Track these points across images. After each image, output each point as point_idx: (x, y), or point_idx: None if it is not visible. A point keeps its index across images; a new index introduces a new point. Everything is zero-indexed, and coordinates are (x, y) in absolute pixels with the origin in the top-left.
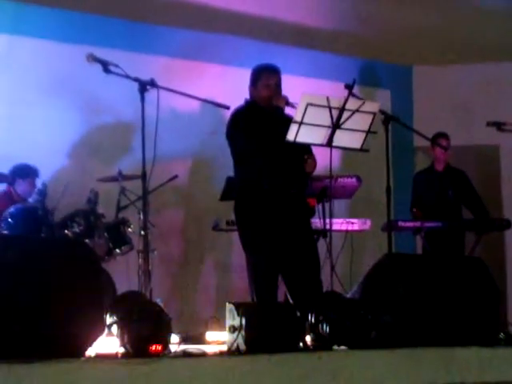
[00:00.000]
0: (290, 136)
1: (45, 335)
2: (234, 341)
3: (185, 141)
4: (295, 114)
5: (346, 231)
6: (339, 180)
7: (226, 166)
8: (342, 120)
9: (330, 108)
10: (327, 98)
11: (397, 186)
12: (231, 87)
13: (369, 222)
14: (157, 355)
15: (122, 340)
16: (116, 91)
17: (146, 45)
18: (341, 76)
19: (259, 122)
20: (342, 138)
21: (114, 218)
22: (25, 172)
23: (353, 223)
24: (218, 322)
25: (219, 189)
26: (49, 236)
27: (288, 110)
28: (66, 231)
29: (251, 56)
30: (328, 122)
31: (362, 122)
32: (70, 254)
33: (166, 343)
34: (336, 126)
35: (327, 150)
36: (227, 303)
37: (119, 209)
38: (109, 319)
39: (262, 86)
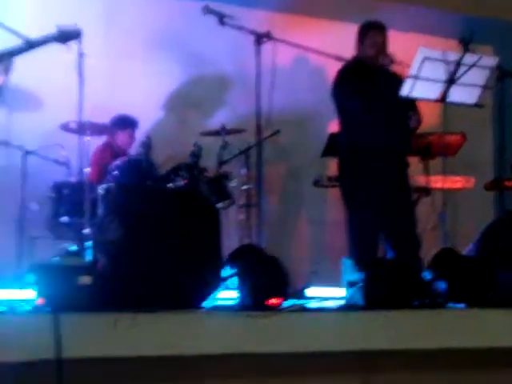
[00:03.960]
0: (405, 91)
1: (165, 286)
2: (352, 296)
3: (287, 96)
4: (411, 68)
5: (449, 189)
6: (444, 137)
7: (327, 123)
8: (458, 75)
9: (447, 62)
10: (444, 52)
11: (506, 145)
12: (336, 42)
13: (472, 180)
14: (275, 309)
15: (240, 293)
16: (217, 46)
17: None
18: (444, 31)
19: (366, 80)
20: (457, 94)
21: (215, 172)
22: (125, 123)
23: (456, 181)
24: (318, 276)
25: (319, 145)
26: (177, 188)
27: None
28: (169, 184)
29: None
30: (443, 76)
31: (478, 76)
32: (190, 204)
33: (284, 296)
34: (451, 80)
35: (430, 106)
36: (344, 258)
37: (221, 163)
38: (226, 272)
39: (369, 44)
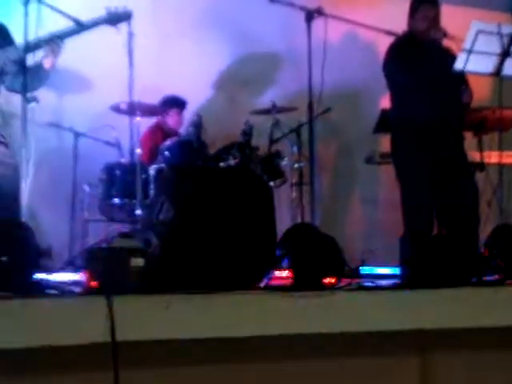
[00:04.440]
0: (459, 65)
1: (219, 266)
2: (408, 274)
3: (336, 72)
4: (464, 42)
5: (504, 164)
6: (498, 111)
7: (379, 99)
8: None
9: (501, 35)
10: (498, 25)
11: None
12: (384, 17)
13: None
14: (331, 288)
15: (295, 272)
16: (266, 24)
17: None
18: (496, 5)
19: (417, 55)
20: None
21: (266, 151)
22: (174, 103)
23: (511, 156)
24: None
25: (371, 121)
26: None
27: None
28: (221, 163)
29: None
30: (498, 49)
31: None
32: (243, 183)
33: (340, 276)
34: (506, 53)
35: (482, 80)
36: (401, 237)
37: (272, 141)
38: (281, 252)
39: (421, 18)
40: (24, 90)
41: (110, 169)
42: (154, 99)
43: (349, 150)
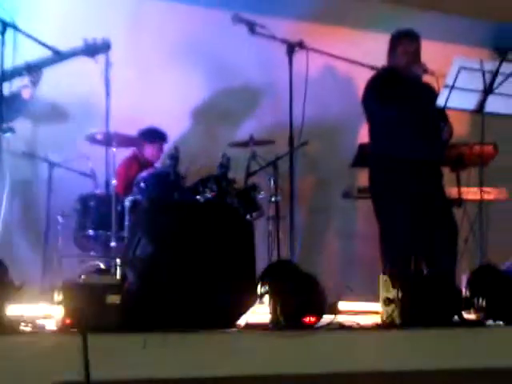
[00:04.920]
0: (441, 101)
1: (197, 304)
2: (390, 314)
3: (315, 106)
4: (446, 77)
5: (481, 200)
6: (475, 147)
7: (356, 133)
8: (496, 84)
9: (484, 72)
10: (481, 61)
11: None
12: (364, 52)
13: (505, 192)
14: (311, 327)
15: (274, 310)
16: (244, 56)
17: (272, 8)
18: (475, 40)
19: (397, 90)
20: (495, 104)
21: (243, 184)
22: (153, 136)
23: (488, 192)
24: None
25: (348, 155)
26: (203, 201)
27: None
28: (197, 196)
29: (383, 19)
30: (480, 86)
31: None
32: (222, 219)
33: (320, 314)
34: (489, 90)
35: (460, 116)
36: (381, 275)
37: (249, 174)
38: (261, 289)
39: (401, 53)
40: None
41: (84, 199)
42: (130, 130)
43: (326, 184)
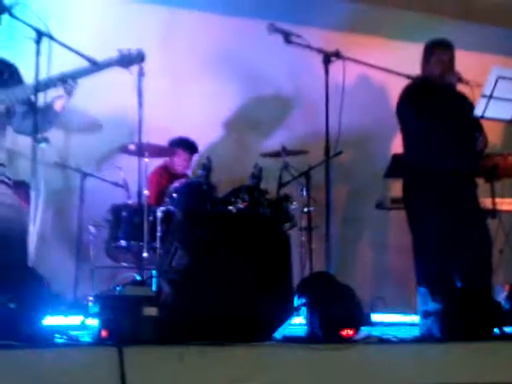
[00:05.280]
0: (478, 111)
1: (234, 316)
2: (429, 327)
3: (349, 115)
4: (484, 87)
5: None
6: (510, 158)
7: (390, 143)
8: None
9: None
10: None
11: None
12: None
13: None
14: (349, 340)
15: (311, 323)
16: (275, 66)
17: (304, 18)
18: (509, 50)
19: (432, 99)
20: None
21: (275, 194)
22: (185, 145)
23: None
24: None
25: (381, 166)
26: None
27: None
28: (229, 207)
29: (417, 29)
30: None
31: None
32: (259, 230)
33: (358, 327)
34: None
35: (495, 126)
36: (419, 287)
37: (281, 185)
38: (297, 301)
39: (435, 62)
40: (34, 131)
41: (116, 210)
42: (162, 140)
43: (359, 194)
